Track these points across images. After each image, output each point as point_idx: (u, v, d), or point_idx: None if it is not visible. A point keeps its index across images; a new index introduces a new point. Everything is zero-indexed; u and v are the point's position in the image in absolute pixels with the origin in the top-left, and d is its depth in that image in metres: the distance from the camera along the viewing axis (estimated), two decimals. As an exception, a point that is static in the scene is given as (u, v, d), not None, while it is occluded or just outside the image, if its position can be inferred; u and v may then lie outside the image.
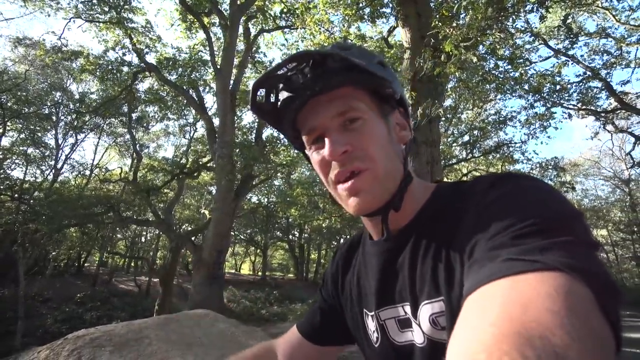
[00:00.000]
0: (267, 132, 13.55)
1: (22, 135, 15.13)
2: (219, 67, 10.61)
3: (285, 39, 12.85)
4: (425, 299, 0.47)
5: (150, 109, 15.41)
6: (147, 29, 11.98)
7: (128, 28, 11.11)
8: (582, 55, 11.14)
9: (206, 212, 16.53)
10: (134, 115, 14.26)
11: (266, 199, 21.30)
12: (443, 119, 10.03)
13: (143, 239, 25.12)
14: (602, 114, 11.95)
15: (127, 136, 16.10)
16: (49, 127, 16.47)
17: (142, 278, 18.94)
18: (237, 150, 10.25)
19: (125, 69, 12.11)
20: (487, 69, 7.07)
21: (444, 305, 0.44)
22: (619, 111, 11.71)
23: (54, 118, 16.08)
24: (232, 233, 17.44)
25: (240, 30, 11.39)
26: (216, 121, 11.17)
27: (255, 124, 13.64)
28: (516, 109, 13.26)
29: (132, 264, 24.34)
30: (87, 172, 18.85)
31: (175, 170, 13.63)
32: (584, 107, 11.59)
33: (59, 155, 17.79)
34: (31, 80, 15.76)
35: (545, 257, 0.31)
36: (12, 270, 11.76)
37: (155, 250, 22.45)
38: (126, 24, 11.03)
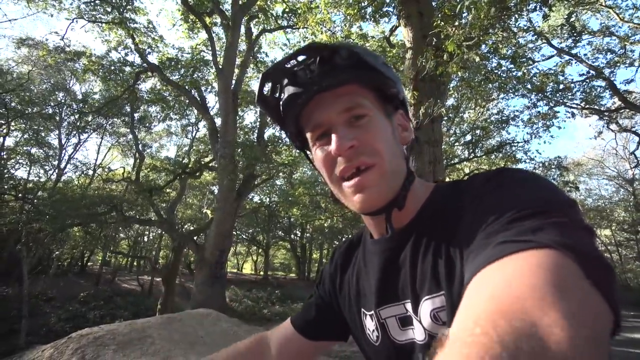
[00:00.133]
0: (269, 131, 13.58)
1: (26, 135, 15.23)
2: (220, 67, 10.62)
3: (287, 39, 12.86)
4: (426, 295, 0.48)
5: (153, 109, 15.47)
6: (149, 29, 12.02)
7: (130, 28, 11.15)
8: (585, 54, 11.08)
9: (208, 211, 16.57)
10: (136, 115, 14.31)
11: (268, 199, 21.31)
12: (445, 118, 10.01)
13: (146, 239, 25.24)
14: (606, 113, 11.88)
15: (130, 136, 16.19)
16: (52, 127, 16.57)
17: (145, 277, 19.03)
18: (239, 150, 10.27)
19: (128, 69, 12.16)
20: (489, 68, 7.04)
21: (445, 300, 0.45)
22: (622, 110, 11.64)
23: (57, 118, 16.16)
24: (234, 233, 17.46)
25: (242, 30, 11.40)
26: (218, 121, 11.19)
27: (257, 123, 13.66)
28: (519, 108, 13.16)
29: (135, 264, 24.47)
30: (90, 172, 18.93)
31: (177, 170, 13.66)
32: (587, 106, 11.52)
33: (62, 155, 17.92)
34: (34, 81, 15.86)
35: (537, 237, 0.32)
36: (16, 269, 11.84)
37: (158, 249, 22.56)
38: (128, 24, 11.06)
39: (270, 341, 0.73)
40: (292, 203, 14.06)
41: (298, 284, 22.32)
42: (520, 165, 12.10)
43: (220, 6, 11.08)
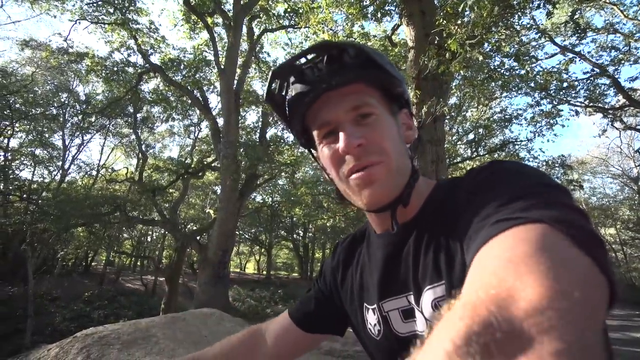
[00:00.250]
0: (271, 131, 13.60)
1: (30, 137, 15.34)
2: (222, 67, 10.65)
3: (289, 39, 12.87)
4: (428, 285, 0.49)
5: (155, 110, 15.54)
6: (151, 29, 12.06)
7: (133, 29, 11.20)
8: (589, 52, 11.00)
9: (211, 211, 16.61)
10: (139, 116, 14.38)
11: (270, 199, 21.34)
12: (448, 117, 9.97)
13: (149, 239, 25.36)
14: (610, 111, 11.78)
15: (133, 136, 16.27)
16: (56, 128, 16.67)
17: (149, 277, 19.12)
18: (242, 150, 10.29)
19: (131, 69, 12.21)
20: (492, 67, 7.01)
21: (445, 288, 0.46)
22: (627, 108, 11.53)
23: (60, 119, 16.27)
24: (237, 232, 17.51)
25: (244, 30, 11.42)
26: (220, 121, 11.22)
27: (260, 123, 13.68)
28: (522, 107, 13.09)
29: (139, 263, 24.58)
30: (94, 173, 19.08)
31: (180, 170, 13.72)
32: (591, 104, 11.43)
33: (66, 155, 18.03)
34: (38, 82, 15.96)
35: (529, 213, 0.33)
36: (22, 270, 11.95)
37: (161, 249, 22.65)
38: (131, 25, 11.11)
39: (266, 333, 0.73)
40: (295, 203, 14.08)
41: (301, 283, 22.34)
42: (526, 163, 12.03)
43: (222, 6, 11.10)
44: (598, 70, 10.68)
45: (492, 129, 13.04)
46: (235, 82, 10.93)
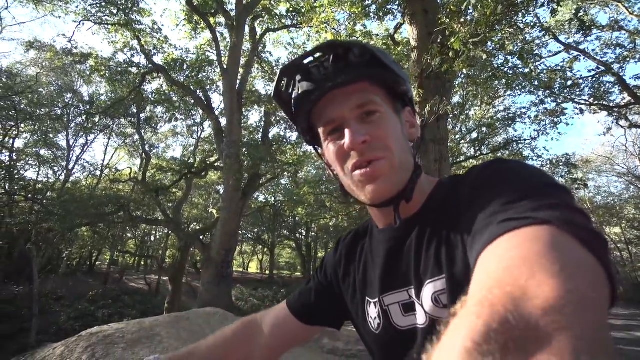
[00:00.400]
0: (274, 131, 13.61)
1: (35, 137, 15.46)
2: (225, 67, 10.66)
3: (291, 38, 12.87)
4: (428, 278, 0.50)
5: (159, 110, 15.60)
6: (154, 30, 12.11)
7: (136, 30, 11.24)
8: (593, 50, 10.90)
9: (214, 211, 16.68)
10: (142, 116, 14.44)
11: (273, 198, 21.38)
12: (451, 116, 9.92)
13: (152, 238, 25.49)
14: (615, 109, 11.67)
15: (136, 137, 16.33)
16: (60, 129, 16.79)
17: (152, 276, 19.23)
18: (244, 150, 10.30)
19: (134, 70, 12.26)
20: (496, 65, 6.97)
21: (446, 282, 0.47)
22: (632, 106, 11.42)
23: (65, 119, 16.38)
24: (240, 232, 17.55)
25: (246, 30, 11.43)
26: (223, 121, 11.24)
27: (262, 123, 13.70)
28: (526, 105, 13.00)
29: (142, 263, 24.74)
30: (98, 173, 19.19)
31: (183, 170, 13.77)
32: (596, 102, 11.33)
33: (70, 156, 18.16)
34: (42, 83, 16.08)
35: (536, 214, 0.34)
36: (27, 269, 12.05)
37: (165, 249, 22.75)
38: (134, 25, 11.15)
39: (262, 323, 0.74)
40: (297, 202, 14.08)
41: (303, 282, 22.36)
42: (528, 163, 11.95)
43: (225, 6, 11.12)
44: (603, 68, 10.58)
45: (496, 127, 12.97)
46: (238, 81, 10.94)
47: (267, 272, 26.66)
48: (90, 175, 19.01)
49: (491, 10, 3.19)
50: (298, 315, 0.71)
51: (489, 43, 4.19)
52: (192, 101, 13.12)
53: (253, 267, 34.75)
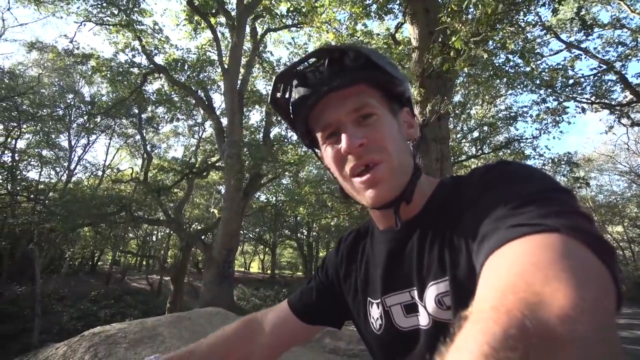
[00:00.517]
0: (275, 131, 13.61)
1: (37, 137, 15.51)
2: (226, 66, 10.66)
3: (292, 38, 12.86)
4: (431, 280, 0.50)
5: (160, 110, 15.63)
6: (155, 30, 12.12)
7: (137, 30, 11.25)
8: (595, 48, 10.85)
9: (215, 211, 16.71)
10: (143, 116, 14.47)
11: (274, 198, 21.39)
12: (452, 115, 9.91)
13: (154, 238, 25.55)
14: (617, 108, 11.61)
15: (138, 137, 16.38)
16: (62, 129, 16.84)
17: (154, 276, 19.26)
18: (246, 150, 10.31)
19: (135, 70, 12.28)
20: (497, 64, 6.95)
21: (449, 284, 0.46)
22: (634, 104, 11.37)
23: (66, 120, 16.43)
24: (241, 232, 17.58)
25: (247, 29, 11.43)
26: (224, 121, 11.25)
27: (263, 123, 13.70)
28: (527, 104, 12.96)
29: (144, 263, 24.81)
30: (100, 173, 19.25)
31: (184, 170, 13.79)
32: (597, 100, 11.28)
33: (72, 156, 18.22)
34: (44, 84, 16.13)
35: (546, 221, 0.34)
36: (29, 269, 12.10)
37: (166, 248, 22.82)
38: (135, 26, 11.17)
39: (263, 322, 0.74)
40: (299, 202, 14.08)
41: (305, 282, 22.38)
42: (530, 162, 11.92)
43: (225, 6, 11.12)
44: (605, 66, 10.54)
45: (497, 126, 12.93)
46: (239, 81, 10.94)
47: (269, 271, 26.69)
48: (92, 176, 19.07)
49: (492, 9, 3.18)
50: (299, 315, 0.71)
51: (490, 42, 4.18)
52: (193, 101, 13.13)
53: (255, 267, 34.81)
